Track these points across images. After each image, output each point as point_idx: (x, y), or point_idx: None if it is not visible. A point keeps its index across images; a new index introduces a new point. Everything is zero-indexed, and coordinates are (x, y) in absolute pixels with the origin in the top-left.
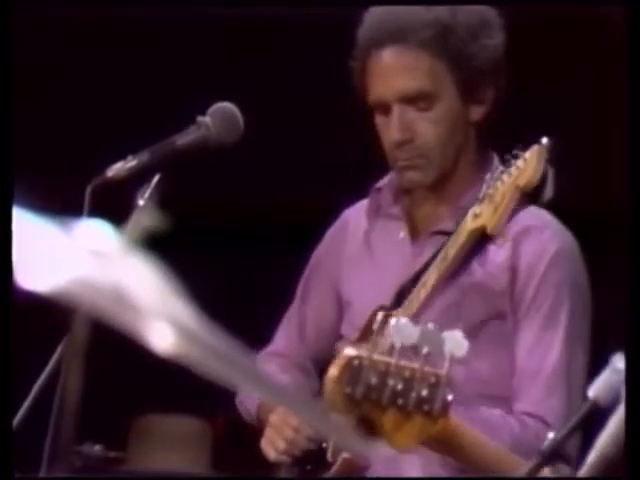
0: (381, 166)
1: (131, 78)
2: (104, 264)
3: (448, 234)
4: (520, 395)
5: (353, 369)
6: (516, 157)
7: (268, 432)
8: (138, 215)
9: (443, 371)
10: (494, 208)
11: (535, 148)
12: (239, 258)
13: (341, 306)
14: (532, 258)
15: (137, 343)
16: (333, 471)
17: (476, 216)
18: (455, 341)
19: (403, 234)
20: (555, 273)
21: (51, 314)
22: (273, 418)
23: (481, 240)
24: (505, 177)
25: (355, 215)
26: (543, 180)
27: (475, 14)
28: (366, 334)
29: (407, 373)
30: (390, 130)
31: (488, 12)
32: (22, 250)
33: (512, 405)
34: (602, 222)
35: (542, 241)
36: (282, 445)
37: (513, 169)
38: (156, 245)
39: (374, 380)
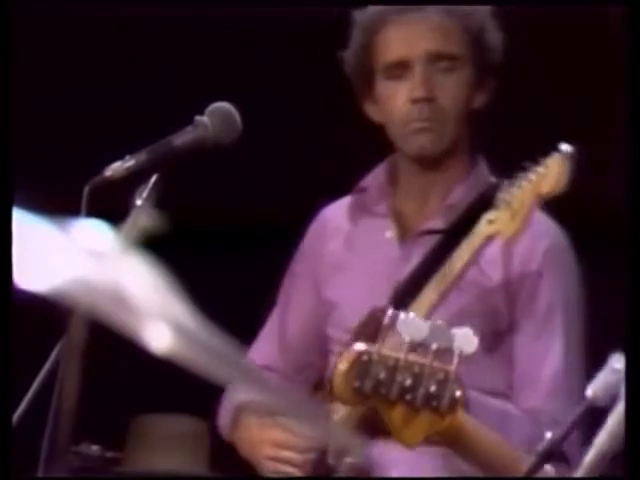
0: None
1: (129, 78)
2: (102, 264)
3: (438, 233)
4: (525, 393)
5: (362, 364)
6: (536, 163)
7: (267, 464)
8: (136, 215)
9: (452, 367)
10: (511, 215)
11: (558, 154)
12: (238, 258)
13: (324, 308)
14: (525, 255)
15: (135, 343)
16: (338, 474)
17: (491, 222)
18: (465, 338)
19: (390, 233)
20: (549, 269)
21: (49, 314)
22: (264, 447)
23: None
24: (524, 183)
25: (334, 215)
26: None
27: (487, 8)
28: (362, 334)
29: (416, 369)
30: (411, 87)
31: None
32: (20, 250)
33: (516, 403)
34: (602, 223)
35: (533, 237)
36: (291, 470)
37: (533, 175)
38: (155, 245)
39: (383, 375)
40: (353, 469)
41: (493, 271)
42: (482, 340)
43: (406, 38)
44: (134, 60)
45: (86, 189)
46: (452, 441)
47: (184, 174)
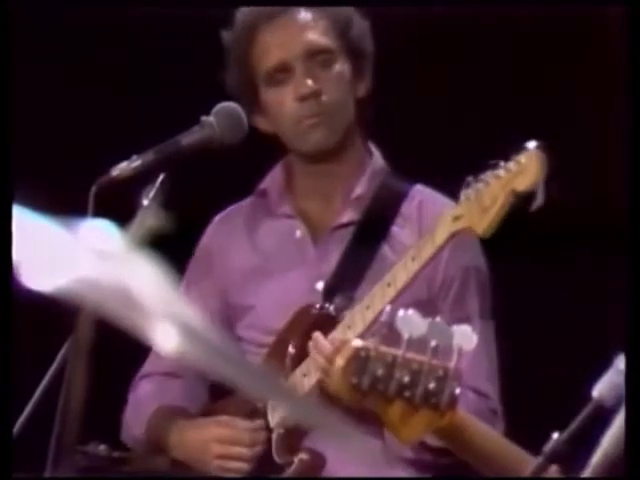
0: None
1: (135, 77)
2: (109, 264)
3: (350, 226)
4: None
5: (360, 360)
6: (504, 160)
7: (215, 462)
8: (142, 215)
9: (451, 364)
10: (482, 210)
11: (532, 152)
12: None
13: (234, 311)
14: (448, 258)
15: (142, 343)
16: (291, 471)
17: (457, 218)
18: (464, 335)
19: (300, 233)
20: (458, 253)
21: (56, 314)
22: (210, 446)
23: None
24: (492, 180)
25: (230, 220)
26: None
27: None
28: (292, 331)
29: (415, 365)
30: (295, 86)
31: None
32: (27, 250)
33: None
34: (602, 223)
35: (454, 241)
36: (241, 465)
37: (502, 172)
38: (163, 245)
39: (381, 371)
40: (303, 465)
41: (430, 278)
42: None
43: (281, 41)
44: (139, 58)
45: (93, 189)
46: (451, 438)
47: (192, 174)
